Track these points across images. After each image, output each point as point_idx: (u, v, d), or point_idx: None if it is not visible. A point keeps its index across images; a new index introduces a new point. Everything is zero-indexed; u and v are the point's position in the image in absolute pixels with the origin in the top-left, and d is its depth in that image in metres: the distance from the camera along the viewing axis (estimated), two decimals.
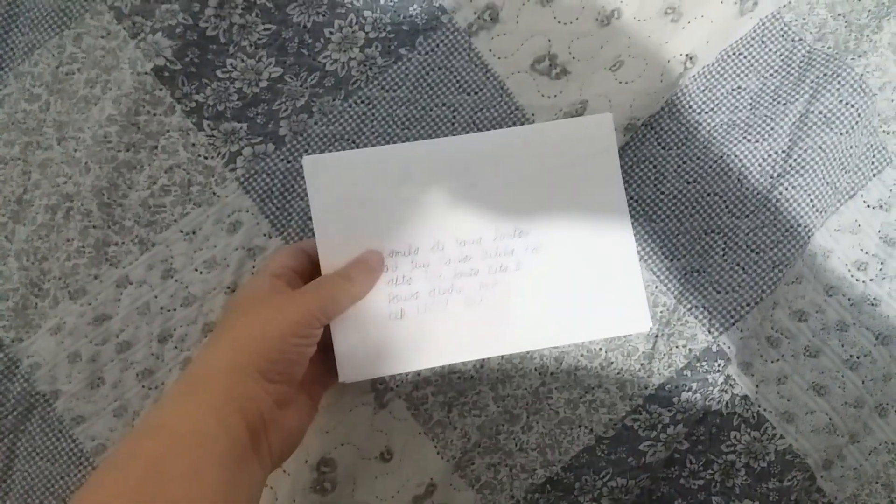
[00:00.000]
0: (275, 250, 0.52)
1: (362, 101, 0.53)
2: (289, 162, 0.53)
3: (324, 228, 0.45)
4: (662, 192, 0.53)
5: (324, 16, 0.53)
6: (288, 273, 0.44)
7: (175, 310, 0.52)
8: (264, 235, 0.52)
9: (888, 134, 0.54)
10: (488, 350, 0.47)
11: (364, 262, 0.44)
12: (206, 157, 0.53)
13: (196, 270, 0.52)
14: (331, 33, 0.53)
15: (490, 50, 0.54)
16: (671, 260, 0.53)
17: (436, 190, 0.46)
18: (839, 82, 0.52)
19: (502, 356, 0.52)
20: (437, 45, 0.54)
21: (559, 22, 0.53)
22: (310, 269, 0.46)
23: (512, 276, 0.46)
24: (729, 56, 0.54)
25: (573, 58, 0.53)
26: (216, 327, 0.46)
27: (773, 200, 0.52)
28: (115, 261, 0.52)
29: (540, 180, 0.46)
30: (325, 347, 0.44)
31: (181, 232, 0.53)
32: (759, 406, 0.52)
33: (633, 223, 0.52)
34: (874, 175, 0.54)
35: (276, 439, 0.40)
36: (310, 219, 0.50)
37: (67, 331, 0.52)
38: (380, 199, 0.45)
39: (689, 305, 0.52)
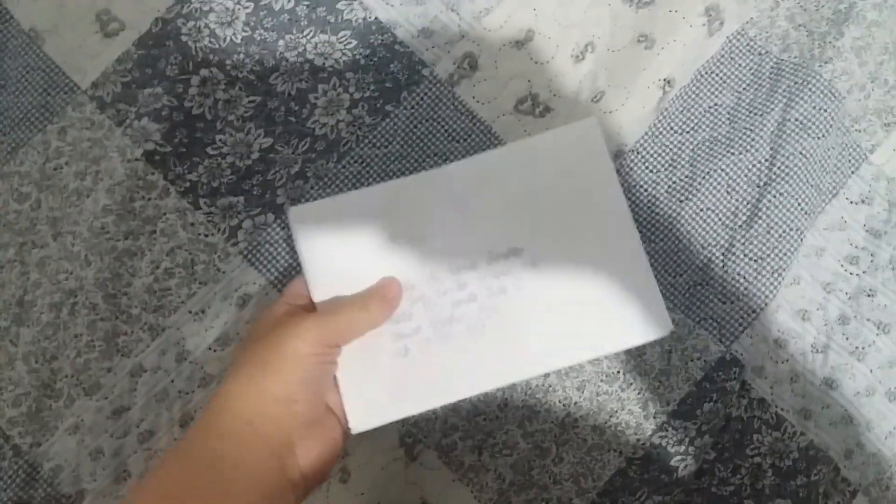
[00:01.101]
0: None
1: (355, 161, 0.54)
2: (290, 229, 0.53)
3: (316, 278, 0.45)
4: (657, 214, 0.55)
5: (307, 82, 0.54)
6: (303, 300, 0.45)
7: (193, 392, 0.52)
8: None
9: (860, 132, 0.57)
10: (501, 378, 0.45)
11: (382, 292, 0.45)
12: (206, 235, 0.53)
13: (210, 349, 0.52)
14: (316, 98, 0.54)
15: (473, 97, 0.55)
16: (674, 276, 0.54)
17: (424, 222, 0.46)
18: (810, 90, 0.55)
19: (525, 392, 0.53)
20: (422, 98, 0.55)
21: (536, 62, 0.55)
22: None
23: (513, 297, 0.45)
24: (702, 76, 0.56)
25: (554, 95, 0.55)
26: (235, 357, 0.46)
27: (764, 208, 0.54)
28: (126, 350, 0.52)
29: (531, 195, 0.46)
30: None
31: (190, 312, 0.53)
32: (776, 407, 0.54)
33: None
34: (852, 172, 0.57)
35: (307, 462, 0.40)
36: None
37: (87, 428, 0.51)
38: (369, 239, 0.45)
39: (697, 318, 0.54)
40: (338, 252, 0.45)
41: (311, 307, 0.45)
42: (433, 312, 0.45)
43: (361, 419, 0.44)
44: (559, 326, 0.45)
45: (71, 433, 0.52)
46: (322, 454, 0.42)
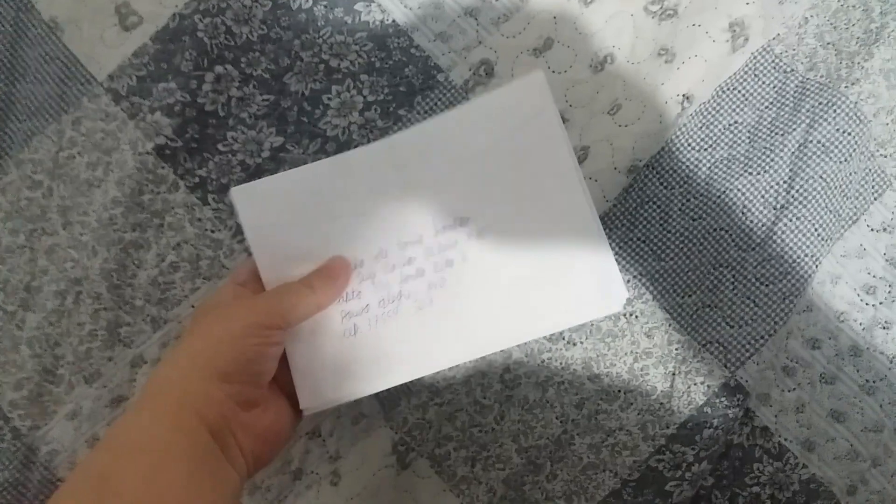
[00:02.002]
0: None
1: None
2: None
3: (264, 258, 0.45)
4: (669, 231, 0.55)
5: (321, 82, 0.55)
6: (253, 281, 0.45)
7: None
8: None
9: (885, 157, 0.56)
10: (452, 357, 0.44)
11: (327, 271, 0.44)
12: (213, 231, 0.54)
13: None
14: (329, 99, 0.55)
15: None
16: (682, 297, 0.54)
17: (371, 196, 0.45)
18: (834, 111, 0.54)
19: (522, 406, 0.53)
20: (436, 104, 0.55)
21: (553, 71, 0.55)
22: None
23: (460, 269, 0.44)
24: (724, 92, 0.56)
25: (570, 105, 0.55)
26: (176, 339, 0.46)
27: (779, 232, 0.54)
28: (128, 341, 0.53)
29: (477, 160, 0.44)
30: None
31: (193, 307, 0.54)
32: (780, 436, 0.54)
33: (641, 262, 0.54)
34: (875, 199, 0.56)
35: (248, 441, 0.41)
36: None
37: (85, 415, 0.53)
38: (315, 217, 0.45)
39: (703, 341, 0.54)
40: (284, 231, 0.45)
41: (258, 289, 0.45)
42: (382, 290, 0.45)
43: (312, 400, 0.44)
44: (508, 301, 0.44)
45: (69, 419, 0.53)
46: (265, 436, 0.42)
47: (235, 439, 0.40)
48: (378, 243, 0.45)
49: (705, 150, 0.56)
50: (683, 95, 0.55)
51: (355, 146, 0.55)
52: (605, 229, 0.54)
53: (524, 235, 0.44)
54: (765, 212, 0.54)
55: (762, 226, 0.54)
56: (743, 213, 0.55)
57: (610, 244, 0.54)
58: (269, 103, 0.55)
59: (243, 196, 0.45)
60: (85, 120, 0.55)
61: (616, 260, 0.54)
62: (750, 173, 0.55)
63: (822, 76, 0.56)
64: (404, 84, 0.55)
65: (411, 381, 0.52)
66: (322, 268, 0.44)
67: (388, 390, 0.53)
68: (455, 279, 0.44)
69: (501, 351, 0.53)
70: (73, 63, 0.55)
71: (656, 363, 0.54)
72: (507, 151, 0.44)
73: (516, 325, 0.44)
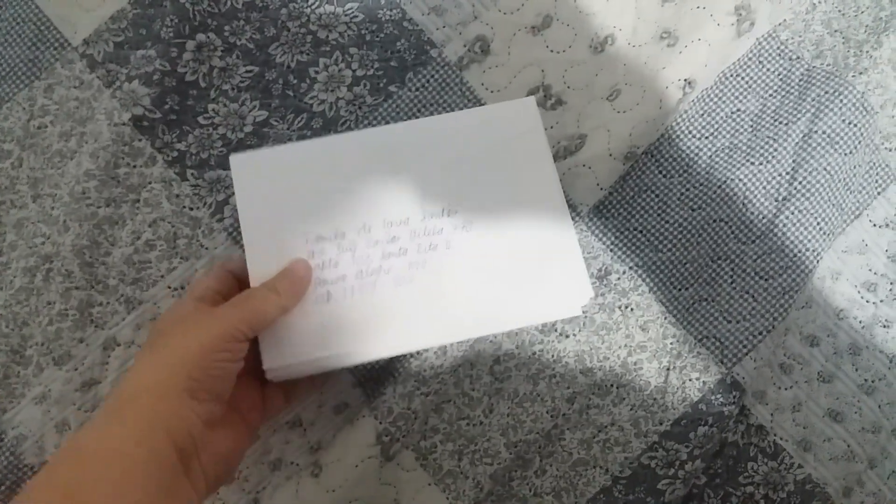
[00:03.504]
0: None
1: None
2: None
3: (250, 223, 0.45)
4: (666, 221, 0.53)
5: (308, 55, 0.53)
6: (212, 295, 0.45)
7: None
8: None
9: (890, 151, 0.55)
10: (426, 339, 0.46)
11: (291, 273, 0.45)
12: (191, 209, 0.52)
13: None
14: (316, 73, 0.53)
15: (482, 83, 0.53)
16: (679, 290, 0.53)
17: (361, 176, 0.47)
18: (841, 101, 0.53)
19: (512, 400, 0.52)
20: (428, 81, 0.53)
21: (552, 51, 0.53)
22: (236, 290, 0.46)
23: (442, 254, 0.46)
24: (727, 78, 0.54)
25: (568, 87, 0.53)
26: (139, 352, 0.45)
27: (780, 225, 0.52)
28: (100, 322, 0.51)
29: (468, 163, 0.47)
30: (262, 373, 0.45)
31: (169, 288, 0.52)
32: (775, 435, 0.53)
33: (638, 252, 0.53)
34: (878, 193, 0.55)
35: (209, 462, 0.40)
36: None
37: (53, 399, 0.51)
38: (305, 189, 0.46)
39: (699, 336, 0.53)
40: (273, 202, 0.46)
41: (217, 303, 0.45)
42: (361, 262, 0.46)
43: (274, 358, 0.44)
44: (485, 293, 0.46)
45: (37, 402, 0.51)
46: (224, 457, 0.42)
47: (199, 460, 0.39)
48: (363, 218, 0.46)
49: (706, 137, 0.54)
50: (685, 80, 0.54)
51: (343, 123, 0.53)
52: (600, 218, 0.53)
53: (506, 235, 0.46)
54: (766, 203, 0.53)
55: (763, 218, 0.53)
56: (744, 204, 0.53)
57: (605, 234, 0.53)
58: (252, 75, 0.53)
59: (241, 164, 0.46)
60: (58, 87, 0.52)
61: (611, 250, 0.53)
62: (752, 163, 0.53)
63: (828, 64, 0.54)
64: (395, 59, 0.53)
65: (397, 369, 0.51)
66: (285, 270, 0.45)
67: (372, 377, 0.52)
68: (437, 262, 0.46)
69: (491, 342, 0.52)
70: (45, 26, 0.52)
71: (650, 357, 0.53)
72: (494, 158, 0.47)
73: (489, 315, 0.46)
